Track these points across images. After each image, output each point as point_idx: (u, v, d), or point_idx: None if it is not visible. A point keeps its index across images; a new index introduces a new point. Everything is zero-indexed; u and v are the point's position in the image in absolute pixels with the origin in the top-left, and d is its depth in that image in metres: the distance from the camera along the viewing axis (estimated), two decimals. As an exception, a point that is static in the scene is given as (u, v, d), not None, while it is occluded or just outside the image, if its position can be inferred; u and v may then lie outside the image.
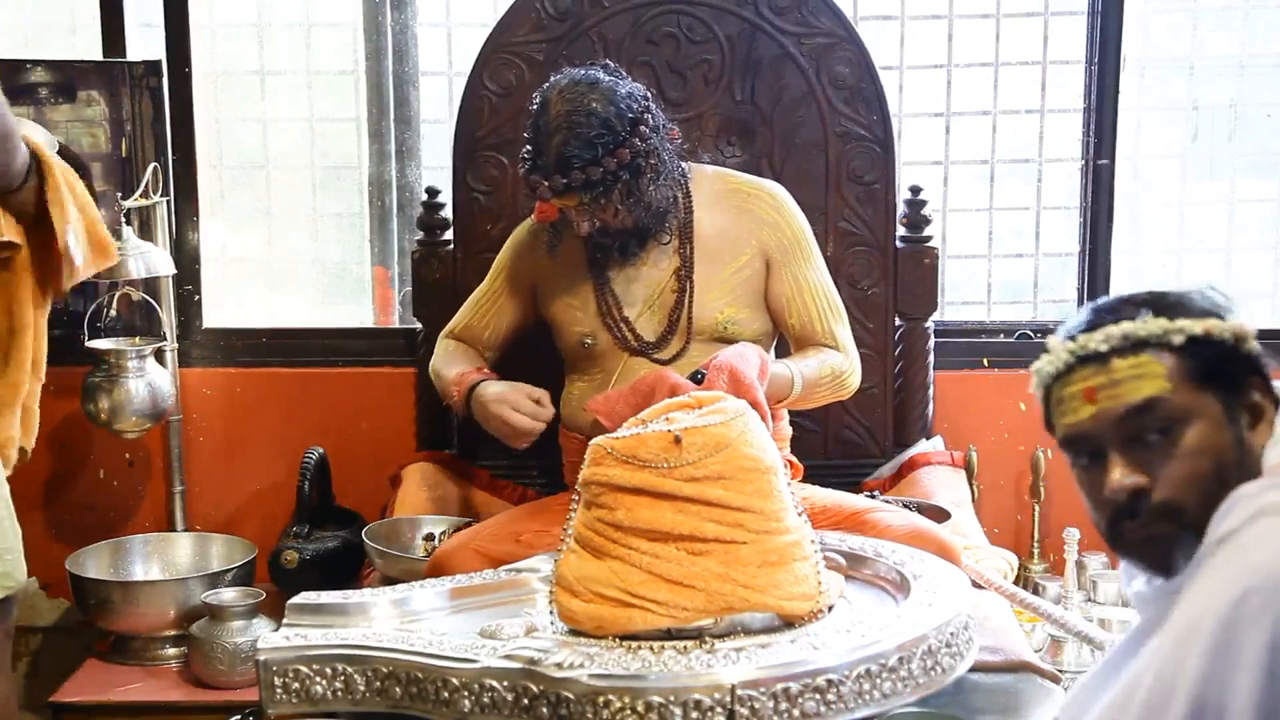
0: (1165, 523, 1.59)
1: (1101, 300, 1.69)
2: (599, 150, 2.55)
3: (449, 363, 2.85)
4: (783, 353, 2.84)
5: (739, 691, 1.88)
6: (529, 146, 2.61)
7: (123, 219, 3.17)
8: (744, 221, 2.78)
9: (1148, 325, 1.61)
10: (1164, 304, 1.64)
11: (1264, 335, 3.03)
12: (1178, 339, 1.60)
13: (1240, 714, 1.42)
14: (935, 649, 2.04)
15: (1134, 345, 1.61)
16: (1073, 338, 1.65)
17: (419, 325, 3.31)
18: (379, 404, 3.42)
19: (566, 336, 2.81)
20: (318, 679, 2.05)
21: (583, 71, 2.63)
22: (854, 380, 2.79)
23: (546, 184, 2.57)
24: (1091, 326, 1.65)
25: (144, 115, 3.33)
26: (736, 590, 2.04)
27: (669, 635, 2.03)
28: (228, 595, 2.98)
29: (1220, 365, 1.61)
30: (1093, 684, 1.71)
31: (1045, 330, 3.24)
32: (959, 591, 2.20)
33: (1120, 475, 1.61)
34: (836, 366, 2.75)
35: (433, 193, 3.27)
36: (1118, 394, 1.61)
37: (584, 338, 2.77)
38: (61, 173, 2.41)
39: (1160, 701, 1.46)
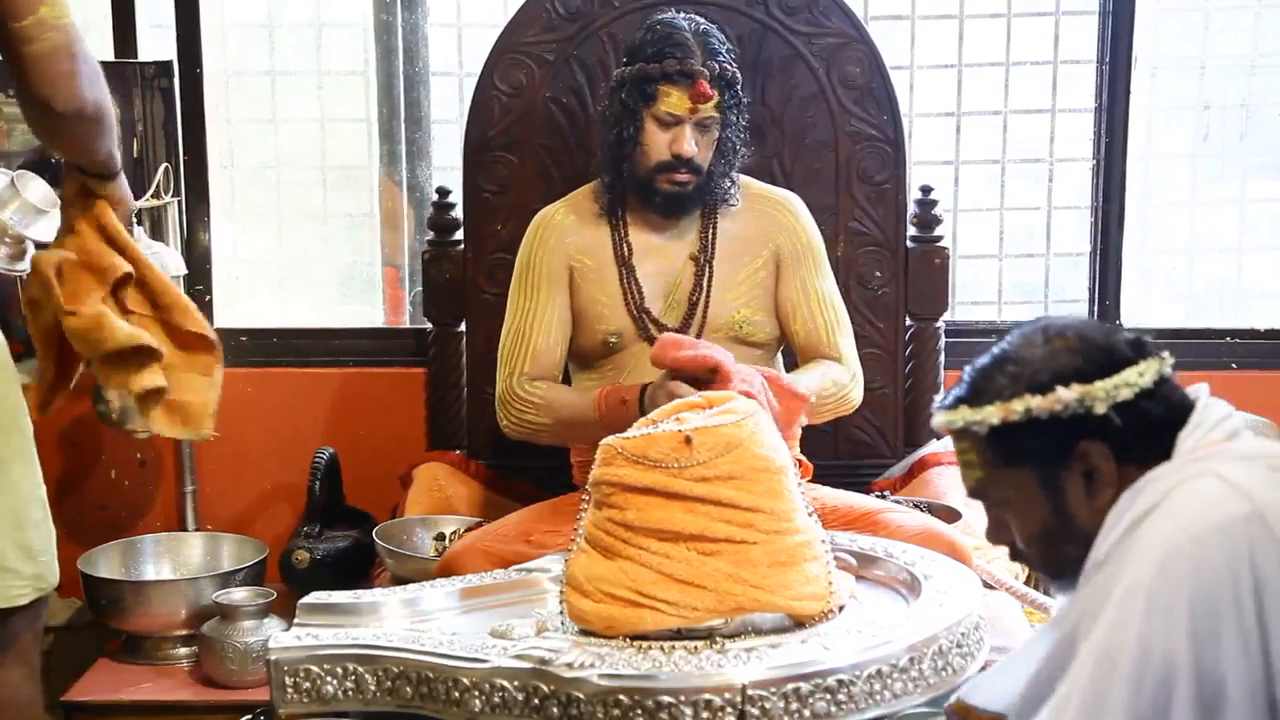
0: (1030, 565, 1.78)
1: (983, 359, 1.73)
2: (733, 60, 2.72)
3: (564, 399, 2.74)
4: (788, 366, 2.86)
5: (750, 692, 1.88)
6: (657, 50, 2.67)
7: (134, 219, 3.17)
8: (762, 225, 2.82)
9: (955, 418, 1.70)
10: (990, 382, 1.68)
11: (1273, 335, 3.00)
12: (981, 430, 1.67)
13: (1184, 669, 1.47)
14: (946, 649, 2.03)
15: (955, 434, 1.72)
16: (940, 400, 1.75)
17: (429, 325, 3.32)
18: (389, 404, 3.43)
19: (589, 335, 2.80)
20: (329, 679, 2.06)
21: None
22: (856, 394, 2.81)
23: (703, 70, 2.65)
24: (950, 393, 1.73)
25: (155, 116, 3.34)
26: (747, 590, 2.03)
27: (679, 635, 2.03)
28: (239, 595, 2.98)
29: (1029, 445, 1.66)
30: (1010, 665, 1.77)
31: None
32: (970, 592, 2.20)
33: (985, 534, 1.79)
34: (839, 380, 2.76)
35: (443, 193, 3.27)
36: (961, 474, 1.76)
37: (609, 335, 2.76)
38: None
39: (1108, 666, 1.51)
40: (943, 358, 3.26)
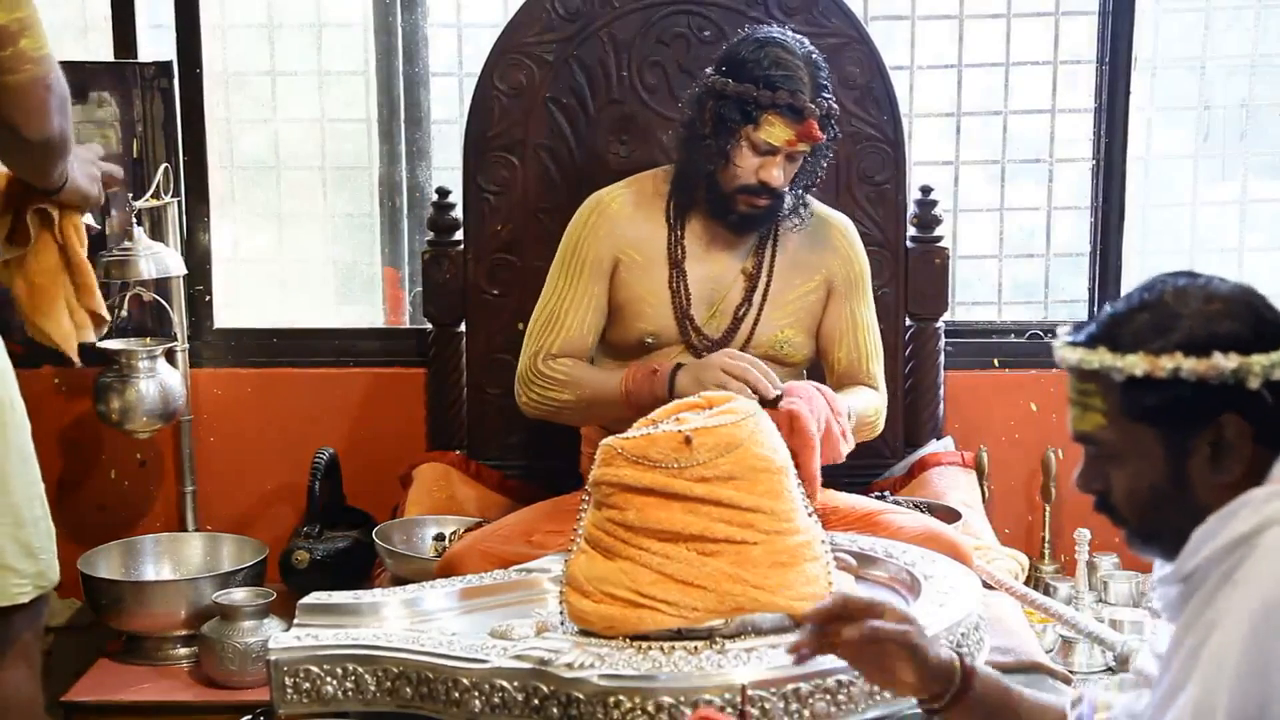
0: (1122, 524, 1.67)
1: (1120, 303, 1.65)
2: (831, 94, 2.66)
3: (589, 375, 2.71)
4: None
5: (750, 692, 1.88)
6: (769, 75, 2.58)
7: (134, 219, 3.18)
8: (818, 249, 2.80)
9: (1092, 359, 1.61)
10: (1135, 328, 1.60)
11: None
12: (1118, 377, 1.59)
13: None
14: (946, 650, 2.03)
15: (1084, 373, 1.63)
16: (1070, 335, 1.67)
17: (429, 326, 3.32)
18: (389, 404, 3.43)
19: (626, 331, 2.76)
20: (328, 679, 2.06)
21: None
22: (883, 421, 2.83)
23: (814, 107, 2.58)
24: (1081, 329, 1.65)
25: (155, 116, 3.34)
26: (747, 591, 2.03)
27: (679, 635, 2.03)
28: (238, 595, 2.98)
29: (1166, 405, 1.58)
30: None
31: (1056, 331, 3.24)
32: (970, 592, 2.20)
33: (1075, 478, 1.70)
34: (879, 410, 2.79)
35: (443, 193, 3.27)
36: (1071, 415, 1.67)
37: (647, 335, 2.73)
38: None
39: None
40: (942, 358, 3.26)
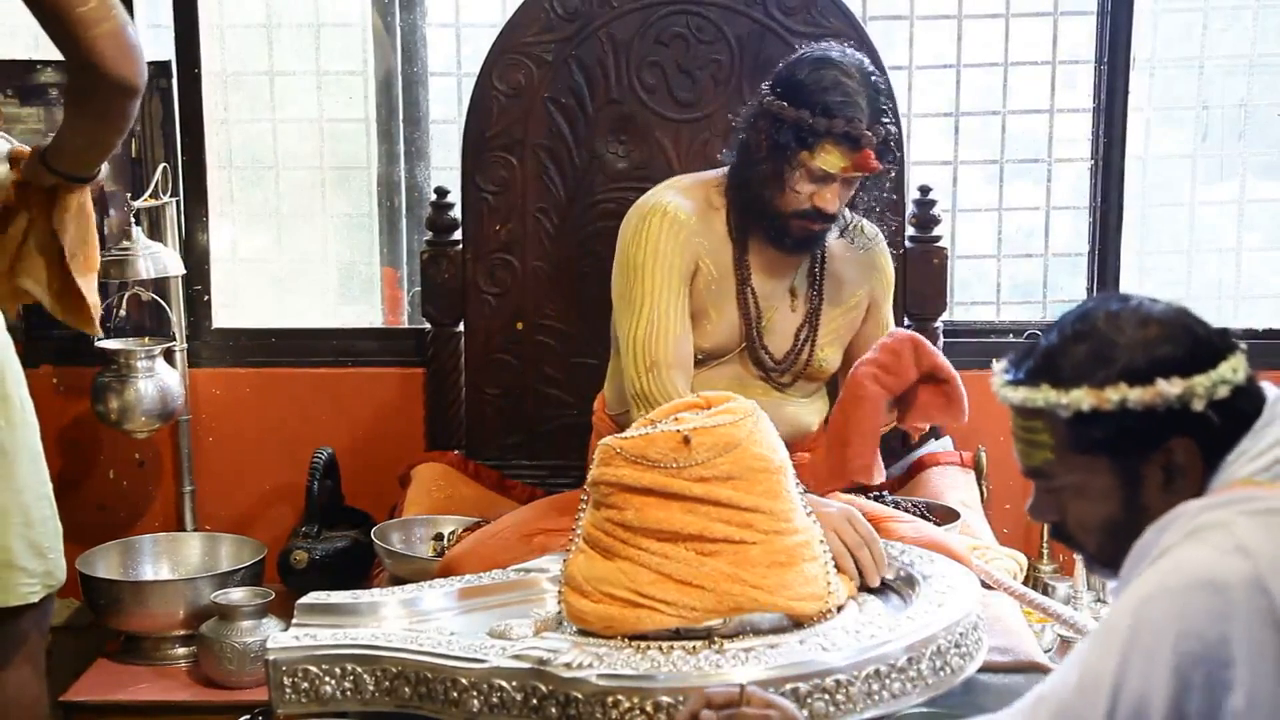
0: (1079, 550, 1.69)
1: (1052, 334, 1.64)
2: (894, 110, 2.61)
3: None
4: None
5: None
6: (826, 101, 2.49)
7: (132, 219, 3.18)
8: (860, 266, 2.78)
9: (1036, 397, 1.61)
10: (1075, 361, 1.59)
11: (1272, 335, 2.97)
12: (1064, 413, 1.59)
13: (1159, 706, 1.44)
14: (944, 649, 2.03)
15: (1028, 411, 1.63)
16: (1008, 372, 1.67)
17: (428, 326, 3.32)
18: (388, 404, 3.43)
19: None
20: (327, 679, 2.06)
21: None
22: None
23: (871, 135, 2.50)
24: (1019, 365, 1.66)
25: (153, 116, 3.34)
26: (745, 590, 2.03)
27: (678, 635, 2.03)
28: (237, 595, 2.98)
29: (1115, 436, 1.57)
30: None
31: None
32: (968, 592, 2.20)
33: (1028, 509, 1.72)
34: None
35: (442, 193, 3.27)
36: (1017, 449, 1.68)
37: (701, 350, 2.66)
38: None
39: (1089, 694, 1.49)
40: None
